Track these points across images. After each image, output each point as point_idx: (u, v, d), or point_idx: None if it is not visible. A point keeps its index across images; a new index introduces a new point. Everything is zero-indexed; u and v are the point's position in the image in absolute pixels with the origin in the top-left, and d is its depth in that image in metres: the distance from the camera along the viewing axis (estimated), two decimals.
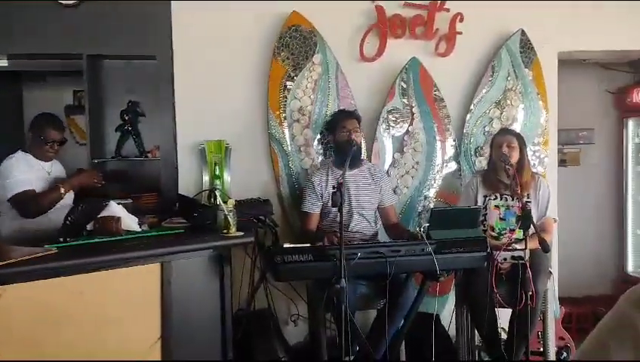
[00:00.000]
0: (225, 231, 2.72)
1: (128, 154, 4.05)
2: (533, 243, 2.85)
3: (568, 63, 4.21)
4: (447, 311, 3.64)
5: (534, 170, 3.70)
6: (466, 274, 3.11)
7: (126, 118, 3.99)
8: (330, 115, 3.63)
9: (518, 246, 2.86)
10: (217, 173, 3.57)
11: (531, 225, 2.75)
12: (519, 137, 3.27)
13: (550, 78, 3.91)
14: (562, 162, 5.17)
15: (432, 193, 3.83)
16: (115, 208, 2.70)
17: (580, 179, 5.12)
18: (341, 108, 3.66)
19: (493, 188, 3.26)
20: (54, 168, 3.15)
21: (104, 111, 4.00)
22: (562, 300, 3.82)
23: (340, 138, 3.34)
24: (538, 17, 3.86)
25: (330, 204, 2.77)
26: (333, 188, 2.54)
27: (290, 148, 3.72)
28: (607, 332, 0.63)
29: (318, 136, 3.74)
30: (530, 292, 2.77)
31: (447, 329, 3.54)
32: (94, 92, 3.82)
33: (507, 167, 3.09)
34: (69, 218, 2.64)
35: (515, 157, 3.15)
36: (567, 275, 4.23)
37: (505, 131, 3.38)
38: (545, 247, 2.68)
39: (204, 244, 2.63)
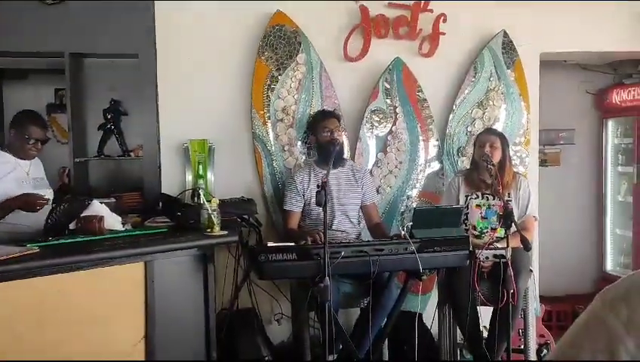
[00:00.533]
0: (208, 230, 2.72)
1: (111, 153, 4.02)
2: (515, 242, 2.88)
3: (549, 64, 4.27)
4: (430, 309, 3.66)
5: (515, 170, 3.75)
6: (448, 272, 3.14)
7: (108, 116, 3.96)
8: (311, 115, 3.63)
9: (499, 245, 2.89)
10: (201, 172, 3.56)
11: (513, 224, 2.78)
12: (502, 137, 3.31)
13: (532, 79, 3.96)
14: (543, 162, 5.22)
15: (414, 193, 3.86)
16: (97, 207, 2.68)
17: (560, 178, 5.19)
18: (325, 107, 3.67)
19: (474, 187, 3.29)
20: (34, 168, 3.04)
21: (86, 109, 3.98)
22: (543, 298, 3.87)
23: (322, 138, 3.35)
24: (520, 18, 3.91)
25: (313, 202, 2.78)
26: (318, 186, 2.54)
27: (273, 148, 3.72)
28: (581, 331, 0.64)
29: (302, 136, 3.75)
30: (512, 291, 2.80)
31: (429, 327, 3.57)
32: (76, 90, 3.80)
33: (489, 166, 3.12)
34: (51, 217, 2.62)
35: (497, 156, 3.19)
36: (547, 273, 4.29)
37: (488, 131, 3.42)
38: (526, 245, 2.71)
39: (187, 244, 2.63)
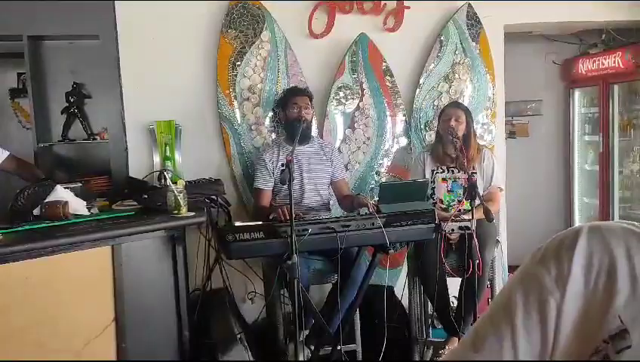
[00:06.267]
0: (175, 211, 2.71)
1: (76, 137, 3.96)
2: (480, 214, 2.93)
3: (515, 36, 4.30)
4: (401, 282, 3.72)
5: (482, 143, 3.80)
6: (416, 245, 3.19)
7: (71, 100, 3.89)
8: (282, 91, 3.61)
9: (465, 217, 2.94)
10: (168, 153, 3.55)
11: (477, 196, 2.83)
12: (467, 111, 3.33)
13: (497, 51, 3.98)
14: (511, 134, 5.30)
15: (383, 168, 3.89)
16: (61, 192, 2.65)
17: (529, 149, 5.27)
18: (292, 85, 3.66)
19: (440, 161, 3.33)
20: None
21: (48, 93, 3.89)
22: (512, 267, 3.96)
23: (290, 115, 3.35)
24: None
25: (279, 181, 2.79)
26: (282, 165, 2.55)
27: (241, 128, 3.70)
28: (515, 285, 0.67)
29: (270, 114, 3.74)
30: (478, 261, 2.86)
31: (400, 299, 3.63)
32: (37, 74, 3.71)
33: (454, 140, 3.16)
34: (16, 203, 2.59)
35: (461, 130, 3.22)
36: (517, 243, 4.35)
37: (453, 105, 3.44)
38: (489, 217, 2.77)
39: (154, 226, 2.62)
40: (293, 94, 3.43)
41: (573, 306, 0.62)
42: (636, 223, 0.66)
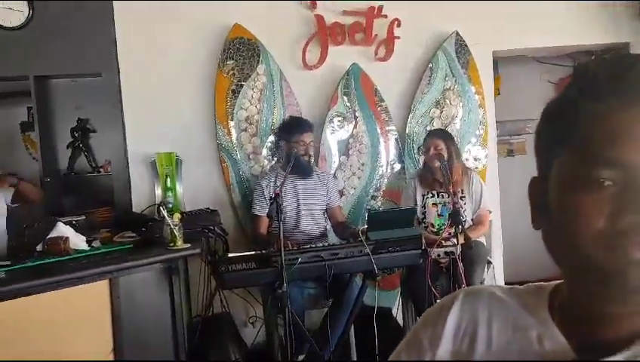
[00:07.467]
0: (172, 244, 2.83)
1: (81, 170, 4.13)
2: (472, 235, 3.04)
3: (510, 58, 4.39)
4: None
5: (474, 165, 3.91)
6: (407, 270, 3.29)
7: (76, 135, 4.06)
8: (287, 121, 3.63)
9: (449, 243, 3.04)
10: (169, 184, 3.68)
11: (460, 222, 2.92)
12: (445, 137, 3.43)
13: (486, 76, 4.08)
14: (510, 152, 5.39)
15: (378, 193, 3.99)
16: (62, 228, 2.79)
17: (527, 167, 5.27)
18: (292, 115, 3.75)
19: (429, 186, 3.44)
20: None
21: (54, 129, 4.07)
22: (512, 284, 4.00)
23: (294, 150, 3.38)
24: (471, 19, 4.01)
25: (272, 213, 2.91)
26: (270, 198, 2.67)
27: (239, 157, 3.84)
28: (401, 346, 0.79)
29: (267, 143, 3.86)
30: (463, 285, 2.94)
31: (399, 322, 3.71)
32: (43, 111, 3.88)
33: (440, 166, 3.25)
34: (22, 239, 2.75)
35: (443, 157, 3.32)
36: (515, 261, 4.42)
37: (431, 134, 3.53)
38: (468, 244, 2.86)
39: (150, 259, 2.73)
40: (300, 131, 3.43)
41: None
42: (504, 287, 0.77)
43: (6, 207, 3.17)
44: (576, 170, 0.61)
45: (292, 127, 3.50)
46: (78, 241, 2.79)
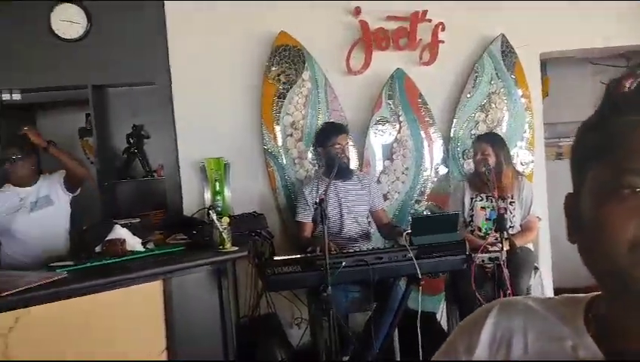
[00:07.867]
0: (221, 247, 2.94)
1: (136, 174, 4.31)
2: (520, 241, 3.04)
3: (560, 59, 4.32)
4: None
5: (520, 169, 3.87)
6: (452, 275, 3.30)
7: (131, 140, 4.24)
8: (320, 127, 3.75)
9: (495, 248, 3.03)
10: (218, 189, 3.80)
11: (505, 228, 2.92)
12: (493, 142, 3.41)
13: (533, 79, 4.04)
14: (559, 155, 5.29)
15: (423, 197, 4.01)
16: (119, 231, 2.94)
17: None
18: (331, 120, 3.84)
19: (478, 189, 3.43)
20: (34, 194, 3.27)
21: (111, 135, 4.27)
22: (562, 291, 3.93)
23: (332, 153, 3.46)
24: (518, 21, 3.99)
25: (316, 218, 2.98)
26: (315, 203, 2.74)
27: (285, 161, 3.93)
28: (439, 353, 0.84)
29: (312, 148, 3.94)
30: (509, 291, 2.93)
31: (444, 326, 3.72)
32: (101, 118, 4.09)
33: (485, 171, 3.25)
34: (83, 240, 2.92)
35: (491, 162, 3.31)
36: (567, 267, 4.32)
37: (479, 139, 3.51)
38: (512, 249, 2.85)
39: (200, 261, 2.85)
40: (335, 134, 3.51)
41: None
42: (539, 298, 0.81)
43: (69, 200, 3.33)
44: (608, 180, 0.63)
45: (327, 132, 3.58)
46: (134, 243, 2.93)
